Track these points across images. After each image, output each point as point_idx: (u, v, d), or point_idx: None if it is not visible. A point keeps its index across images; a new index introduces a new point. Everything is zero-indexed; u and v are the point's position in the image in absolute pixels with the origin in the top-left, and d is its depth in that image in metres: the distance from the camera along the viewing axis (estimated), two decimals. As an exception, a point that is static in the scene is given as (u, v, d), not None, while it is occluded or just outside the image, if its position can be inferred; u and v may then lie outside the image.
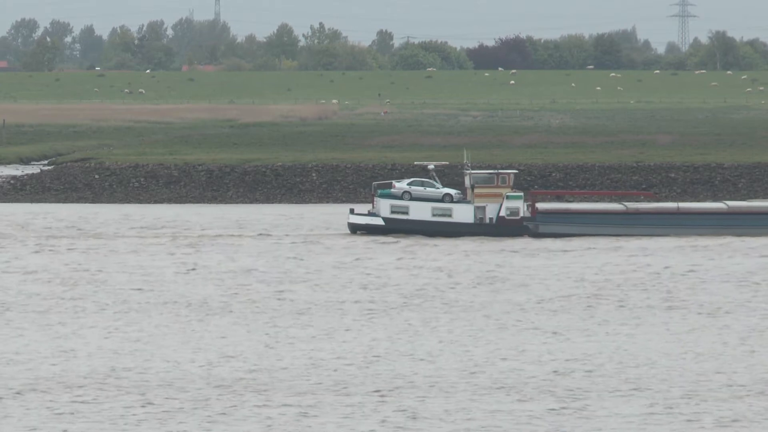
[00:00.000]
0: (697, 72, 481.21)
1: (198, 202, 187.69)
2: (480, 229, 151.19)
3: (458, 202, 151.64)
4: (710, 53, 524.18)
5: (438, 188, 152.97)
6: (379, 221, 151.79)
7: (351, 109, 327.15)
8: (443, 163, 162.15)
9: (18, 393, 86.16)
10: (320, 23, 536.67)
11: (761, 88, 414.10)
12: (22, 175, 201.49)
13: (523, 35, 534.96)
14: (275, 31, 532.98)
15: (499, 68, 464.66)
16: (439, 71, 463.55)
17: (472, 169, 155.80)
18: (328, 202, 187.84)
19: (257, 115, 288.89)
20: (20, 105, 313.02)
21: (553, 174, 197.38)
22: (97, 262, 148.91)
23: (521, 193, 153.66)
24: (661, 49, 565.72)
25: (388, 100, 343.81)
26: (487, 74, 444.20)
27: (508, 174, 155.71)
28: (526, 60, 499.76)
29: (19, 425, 78.90)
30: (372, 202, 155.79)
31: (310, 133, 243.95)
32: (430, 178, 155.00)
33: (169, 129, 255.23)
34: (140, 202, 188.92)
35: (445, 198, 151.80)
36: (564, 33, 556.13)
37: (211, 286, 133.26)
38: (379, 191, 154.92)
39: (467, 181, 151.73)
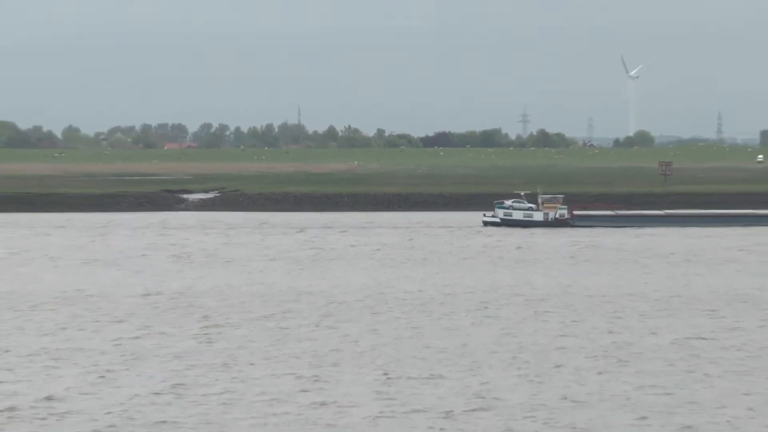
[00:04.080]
0: (531, 148, 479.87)
1: (289, 211, 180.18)
2: (547, 224, 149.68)
3: (535, 210, 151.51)
4: (537, 140, 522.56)
5: (525, 204, 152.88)
6: (498, 220, 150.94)
7: (363, 167, 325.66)
8: (527, 192, 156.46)
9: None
10: (348, 125, 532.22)
11: (557, 156, 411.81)
12: (205, 198, 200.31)
13: (446, 130, 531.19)
14: (327, 129, 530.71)
15: (437, 147, 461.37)
16: (406, 149, 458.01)
17: (543, 194, 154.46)
18: (352, 211, 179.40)
19: (318, 170, 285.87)
20: (204, 164, 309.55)
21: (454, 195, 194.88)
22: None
23: (566, 206, 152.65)
24: (513, 137, 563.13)
25: (381, 164, 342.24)
26: (430, 150, 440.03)
27: (559, 197, 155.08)
28: (450, 142, 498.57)
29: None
30: (493, 210, 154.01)
31: (344, 179, 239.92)
32: (522, 199, 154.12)
33: (277, 177, 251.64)
34: (260, 211, 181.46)
35: (530, 209, 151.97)
36: (469, 128, 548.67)
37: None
38: (497, 205, 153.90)
39: (539, 200, 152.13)
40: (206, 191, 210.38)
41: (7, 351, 62.90)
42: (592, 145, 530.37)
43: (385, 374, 56.56)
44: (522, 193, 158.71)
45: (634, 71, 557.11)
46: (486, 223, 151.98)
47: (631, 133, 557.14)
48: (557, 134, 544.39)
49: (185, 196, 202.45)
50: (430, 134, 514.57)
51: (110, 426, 46.80)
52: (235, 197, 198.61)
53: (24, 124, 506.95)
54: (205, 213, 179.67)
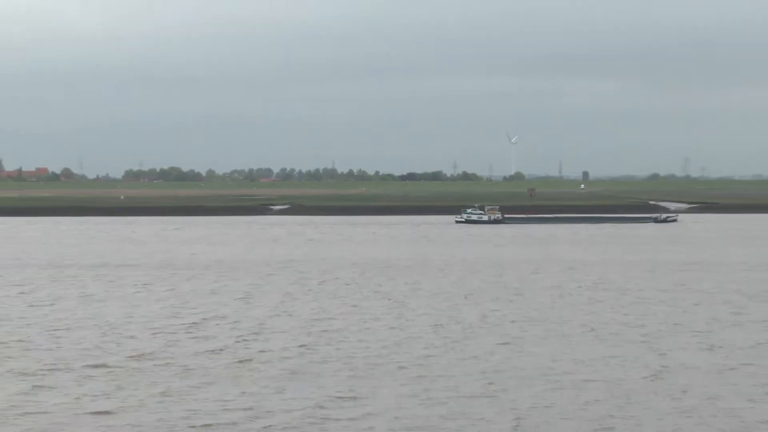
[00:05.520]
0: (458, 181, 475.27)
1: (328, 215, 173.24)
2: (490, 222, 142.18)
3: (483, 214, 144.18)
4: (462, 177, 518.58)
5: (478, 210, 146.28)
6: (463, 219, 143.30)
7: (368, 191, 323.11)
8: (479, 204, 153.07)
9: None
10: (360, 169, 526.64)
11: (473, 186, 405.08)
12: (282, 208, 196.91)
13: (413, 171, 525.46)
14: (348, 170, 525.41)
15: (408, 181, 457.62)
16: (392, 182, 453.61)
17: (488, 205, 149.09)
18: (363, 215, 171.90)
19: (344, 193, 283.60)
20: (281, 190, 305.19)
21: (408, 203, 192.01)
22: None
23: (500, 212, 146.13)
24: (449, 175, 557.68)
25: (379, 190, 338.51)
26: (404, 182, 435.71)
27: (496, 207, 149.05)
28: (414, 178, 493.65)
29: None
30: (461, 213, 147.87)
31: (358, 197, 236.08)
32: (476, 208, 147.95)
33: (321, 197, 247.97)
34: (312, 215, 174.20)
35: (481, 213, 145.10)
36: (425, 170, 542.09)
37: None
38: (462, 211, 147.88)
39: (486, 208, 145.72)
40: (283, 205, 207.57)
41: (215, 292, 60.10)
42: (491, 179, 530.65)
43: (429, 305, 54.39)
44: (476, 205, 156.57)
45: (514, 139, 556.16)
46: (457, 221, 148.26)
47: (512, 173, 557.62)
48: (472, 173, 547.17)
49: (272, 207, 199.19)
50: (404, 173, 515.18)
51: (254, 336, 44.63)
52: (299, 208, 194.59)
53: (185, 167, 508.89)
54: (290, 216, 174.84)
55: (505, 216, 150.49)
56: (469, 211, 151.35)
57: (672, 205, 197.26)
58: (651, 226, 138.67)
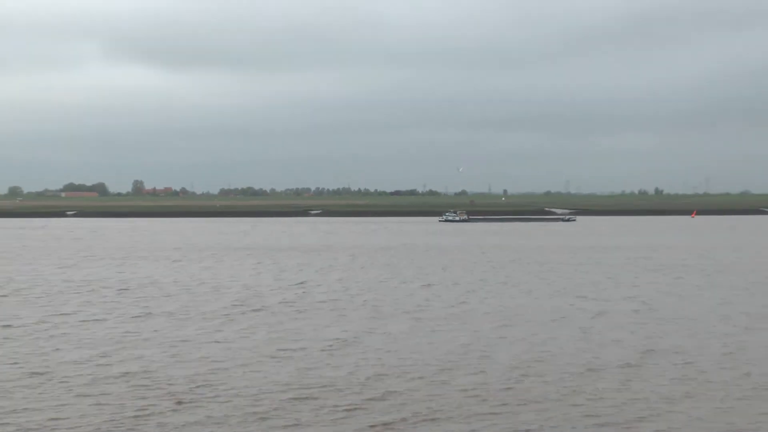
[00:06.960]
0: (427, 196, 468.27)
1: (346, 216, 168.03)
2: (461, 221, 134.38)
3: (456, 216, 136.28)
4: (428, 193, 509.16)
5: (452, 213, 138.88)
6: (444, 219, 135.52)
7: (371, 202, 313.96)
8: (453, 209, 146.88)
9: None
10: (365, 187, 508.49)
11: (433, 199, 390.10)
12: (316, 212, 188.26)
13: (399, 189, 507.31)
14: (357, 189, 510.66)
15: (395, 195, 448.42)
16: (385, 196, 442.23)
17: (459, 209, 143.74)
18: (369, 216, 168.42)
19: (354, 203, 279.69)
20: (315, 201, 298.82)
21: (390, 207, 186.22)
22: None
23: (467, 214, 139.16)
24: (420, 192, 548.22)
25: (378, 201, 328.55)
26: (392, 196, 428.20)
27: (464, 210, 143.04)
28: (400, 194, 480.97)
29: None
30: (442, 215, 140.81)
31: (364, 205, 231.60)
32: (452, 212, 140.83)
33: (340, 205, 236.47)
34: (335, 216, 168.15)
35: (455, 215, 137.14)
36: (406, 188, 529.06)
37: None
38: (444, 214, 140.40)
39: (458, 212, 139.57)
40: (317, 210, 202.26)
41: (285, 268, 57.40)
42: (446, 194, 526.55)
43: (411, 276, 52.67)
44: (452, 210, 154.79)
45: (461, 169, 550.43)
46: (439, 221, 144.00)
47: (459, 190, 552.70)
48: (435, 191, 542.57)
49: (310, 212, 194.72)
50: (392, 190, 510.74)
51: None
52: (328, 212, 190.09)
53: (256, 186, 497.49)
54: (323, 218, 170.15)
55: (470, 217, 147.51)
56: (447, 214, 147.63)
57: (559, 210, 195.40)
58: (561, 224, 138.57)
